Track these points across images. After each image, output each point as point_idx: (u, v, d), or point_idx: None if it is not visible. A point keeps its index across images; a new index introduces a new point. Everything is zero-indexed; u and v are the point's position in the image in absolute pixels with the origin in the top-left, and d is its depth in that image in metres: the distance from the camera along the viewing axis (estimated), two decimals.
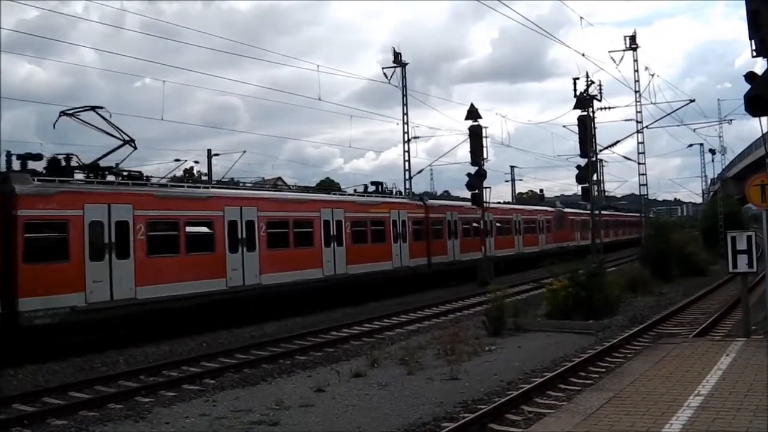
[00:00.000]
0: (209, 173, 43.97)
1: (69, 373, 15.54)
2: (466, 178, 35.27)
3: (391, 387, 12.92)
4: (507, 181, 75.49)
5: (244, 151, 36.86)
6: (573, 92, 32.82)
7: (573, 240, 53.07)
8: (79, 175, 19.53)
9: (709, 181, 74.95)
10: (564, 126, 37.94)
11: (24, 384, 14.51)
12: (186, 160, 45.48)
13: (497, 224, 41.58)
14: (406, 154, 41.31)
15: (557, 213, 52.94)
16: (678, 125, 55.82)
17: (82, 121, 19.96)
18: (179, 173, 46.95)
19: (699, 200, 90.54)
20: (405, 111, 41.24)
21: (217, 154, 45.68)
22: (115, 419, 11.52)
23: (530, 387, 12.12)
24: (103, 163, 20.18)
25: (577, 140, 32.46)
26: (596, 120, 33.93)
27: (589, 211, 40.80)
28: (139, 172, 21.54)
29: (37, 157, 18.55)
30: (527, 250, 45.26)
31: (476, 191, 35.39)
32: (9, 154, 18.71)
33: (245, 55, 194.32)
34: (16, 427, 11.21)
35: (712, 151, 63.51)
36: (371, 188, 33.58)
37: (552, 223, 50.28)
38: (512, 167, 74.67)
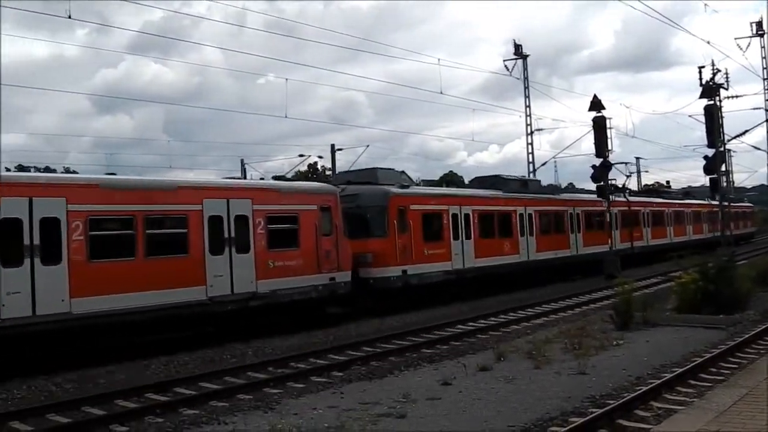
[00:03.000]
0: (333, 168, 45.02)
1: (198, 364, 16.31)
2: (591, 170, 35.28)
3: (517, 381, 12.85)
4: (632, 173, 74.46)
5: (368, 146, 37.55)
6: (699, 81, 32.01)
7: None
8: None
9: None
10: (690, 116, 37.03)
11: (156, 374, 15.34)
12: (309, 156, 46.68)
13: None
14: (530, 146, 41.45)
15: None
16: None
17: None
18: (303, 168, 48.42)
19: None
20: (527, 103, 41.58)
21: (340, 149, 46.81)
22: (245, 410, 11.77)
23: (660, 382, 11.85)
24: None
25: (704, 130, 31.71)
26: (723, 109, 33.16)
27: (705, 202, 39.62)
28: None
29: None
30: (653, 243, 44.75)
31: (601, 183, 35.15)
32: None
33: (366, 50, 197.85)
34: (149, 415, 11.66)
35: None
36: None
37: None
38: (637, 158, 73.71)
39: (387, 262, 24.60)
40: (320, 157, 51.82)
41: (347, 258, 22.88)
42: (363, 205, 24.97)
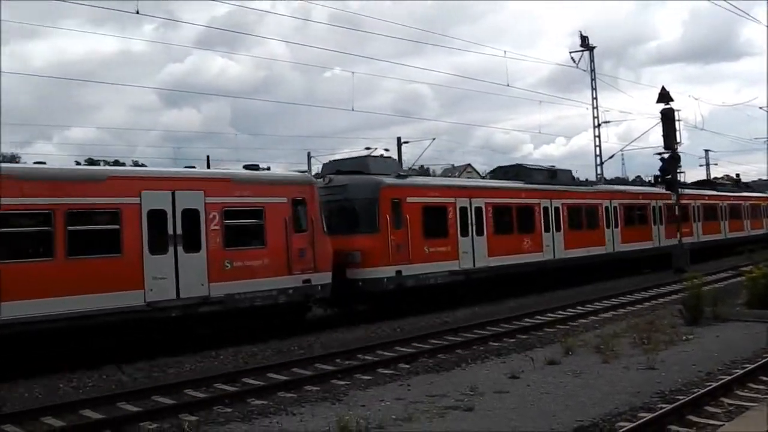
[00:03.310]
0: (399, 160, 43.21)
1: (267, 355, 16.53)
2: (659, 163, 34.81)
3: (585, 375, 12.78)
4: (701, 166, 71.29)
5: (434, 138, 36.05)
6: None
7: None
8: None
9: None
10: (761, 108, 34.26)
11: (225, 365, 15.54)
12: (376, 148, 45.73)
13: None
14: (597, 138, 39.84)
15: None
16: None
17: None
18: None
19: None
20: (594, 95, 40.42)
21: (406, 142, 45.97)
22: (312, 401, 11.81)
23: (730, 379, 11.63)
24: None
25: None
26: None
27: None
28: None
29: None
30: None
31: (669, 176, 33.57)
32: None
33: (430, 43, 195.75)
34: (218, 405, 11.69)
35: None
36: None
37: None
38: (706, 151, 70.78)
39: (377, 262, 21.82)
40: (386, 149, 50.42)
41: (326, 257, 20.19)
42: (351, 197, 22.30)
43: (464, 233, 24.97)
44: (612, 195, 34.32)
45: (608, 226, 32.93)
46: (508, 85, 35.69)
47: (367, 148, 46.84)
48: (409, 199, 23.06)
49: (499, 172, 32.16)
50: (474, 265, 25.21)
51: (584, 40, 41.02)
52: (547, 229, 28.96)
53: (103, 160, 17.99)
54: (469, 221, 25.26)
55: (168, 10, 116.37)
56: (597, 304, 23.43)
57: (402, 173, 23.72)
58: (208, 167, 21.87)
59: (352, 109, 35.98)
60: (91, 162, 18.14)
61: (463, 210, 25.09)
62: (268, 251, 18.85)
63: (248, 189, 18.69)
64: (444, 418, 10.29)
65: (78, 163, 19.56)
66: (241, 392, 12.56)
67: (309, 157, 49.70)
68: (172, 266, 16.75)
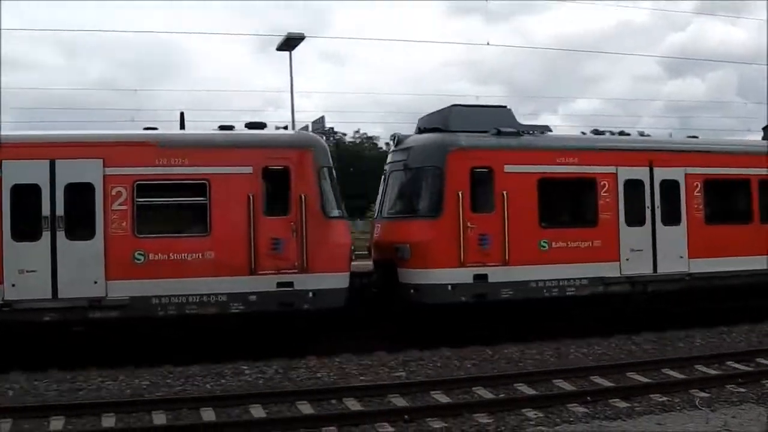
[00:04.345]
0: None
1: None
2: None
3: None
4: None
5: None
6: None
7: None
8: None
9: None
10: None
11: (737, 342, 14.80)
12: None
13: None
14: None
15: None
16: None
17: None
18: None
19: None
20: None
21: None
22: None
23: None
24: None
25: None
26: None
27: None
28: None
29: None
30: None
31: None
32: None
33: None
34: (730, 384, 11.11)
35: None
36: None
37: None
38: None
39: (437, 260, 14.74)
40: None
41: (329, 253, 14.00)
42: (411, 165, 15.54)
43: (634, 220, 15.99)
44: None
45: None
46: None
47: None
48: (510, 168, 15.23)
49: None
50: (655, 271, 16.03)
51: None
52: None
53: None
54: (649, 202, 16.12)
55: None
56: None
57: (507, 129, 15.71)
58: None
59: None
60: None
61: (634, 184, 16.07)
62: (213, 241, 13.62)
63: (182, 155, 13.66)
64: None
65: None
66: (755, 372, 11.87)
67: None
68: (46, 257, 12.86)
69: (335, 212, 14.39)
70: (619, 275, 15.79)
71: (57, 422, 9.49)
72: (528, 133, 16.02)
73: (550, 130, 16.69)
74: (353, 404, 10.37)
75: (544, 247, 15.28)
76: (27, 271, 12.78)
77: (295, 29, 25.73)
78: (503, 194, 15.01)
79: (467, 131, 15.51)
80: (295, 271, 13.79)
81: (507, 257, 14.94)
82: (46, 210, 12.94)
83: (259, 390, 11.24)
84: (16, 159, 12.97)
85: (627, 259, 15.86)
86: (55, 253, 12.90)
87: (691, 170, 16.57)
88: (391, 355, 13.62)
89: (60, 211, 12.99)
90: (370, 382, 11.75)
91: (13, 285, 12.72)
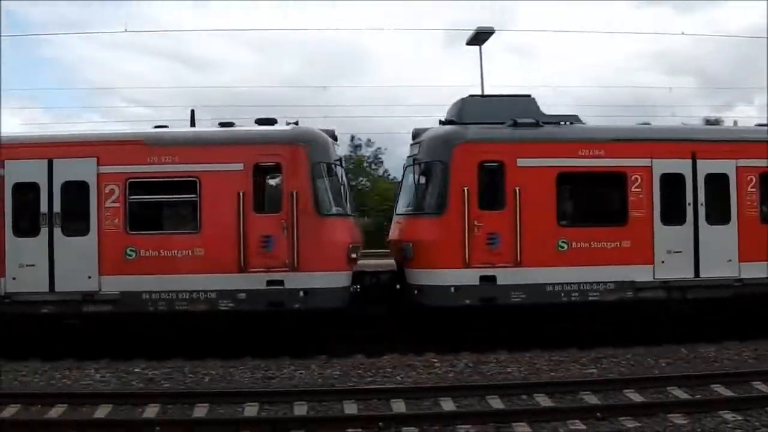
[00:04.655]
0: None
1: None
2: None
3: None
4: None
5: None
6: None
7: None
8: None
9: None
10: None
11: None
12: None
13: None
14: None
15: None
16: None
17: None
18: None
19: None
20: None
21: None
22: None
23: None
24: None
25: None
26: None
27: None
28: None
29: None
30: None
31: None
32: None
33: None
34: None
35: None
36: None
37: None
38: None
39: (440, 260, 13.96)
40: None
41: (323, 251, 13.58)
42: (421, 159, 14.79)
43: (672, 218, 14.34)
44: None
45: None
46: None
47: None
48: (523, 162, 14.10)
49: None
50: (697, 275, 14.29)
51: None
52: None
53: None
54: (691, 198, 14.40)
55: None
56: None
57: (527, 120, 14.46)
58: None
59: None
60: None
61: (672, 178, 14.40)
62: (203, 238, 13.61)
63: (172, 153, 13.74)
64: None
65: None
66: None
67: None
68: (44, 253, 13.42)
69: (332, 209, 13.97)
70: (652, 279, 14.23)
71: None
72: (553, 124, 14.77)
73: (580, 121, 15.28)
74: (544, 400, 10.28)
75: (562, 247, 14.03)
76: (26, 265, 13.40)
77: (483, 23, 25.45)
78: (515, 190, 13.94)
79: (481, 123, 14.55)
80: (286, 269, 13.51)
81: (519, 258, 13.85)
82: (44, 207, 13.51)
83: (449, 383, 11.32)
84: (17, 159, 13.63)
85: (662, 262, 14.23)
86: (52, 249, 13.44)
87: (743, 162, 14.60)
88: (583, 351, 13.37)
89: (57, 208, 13.53)
90: (561, 378, 11.62)
91: (14, 278, 13.38)
